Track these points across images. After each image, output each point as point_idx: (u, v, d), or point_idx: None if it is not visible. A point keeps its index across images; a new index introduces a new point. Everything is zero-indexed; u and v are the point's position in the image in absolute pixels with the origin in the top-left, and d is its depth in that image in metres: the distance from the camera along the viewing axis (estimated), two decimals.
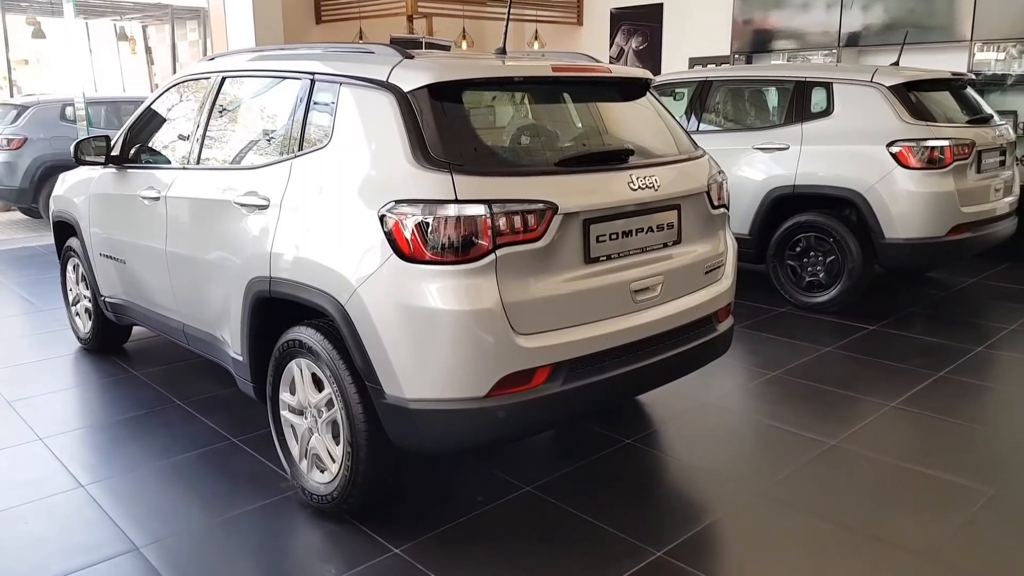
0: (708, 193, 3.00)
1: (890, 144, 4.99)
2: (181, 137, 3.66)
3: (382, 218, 2.38)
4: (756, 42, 8.34)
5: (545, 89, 2.89)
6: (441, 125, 2.42)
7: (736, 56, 8.47)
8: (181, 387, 4.08)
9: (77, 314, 4.74)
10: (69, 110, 9.68)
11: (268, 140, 3.10)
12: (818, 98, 5.45)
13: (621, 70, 3.03)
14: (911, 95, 5.12)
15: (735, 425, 3.61)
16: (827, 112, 5.34)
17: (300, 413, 2.84)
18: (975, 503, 2.82)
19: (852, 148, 5.16)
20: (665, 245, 2.81)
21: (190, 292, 3.41)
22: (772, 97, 5.89)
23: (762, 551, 2.58)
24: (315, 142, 2.77)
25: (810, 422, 3.54)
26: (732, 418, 3.69)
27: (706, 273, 3.00)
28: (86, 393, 4.12)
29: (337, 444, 2.67)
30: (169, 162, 3.72)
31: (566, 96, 3.00)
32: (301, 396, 2.80)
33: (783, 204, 5.44)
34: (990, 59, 6.92)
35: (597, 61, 3.01)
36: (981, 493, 2.88)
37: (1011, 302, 5.55)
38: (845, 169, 5.17)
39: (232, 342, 3.13)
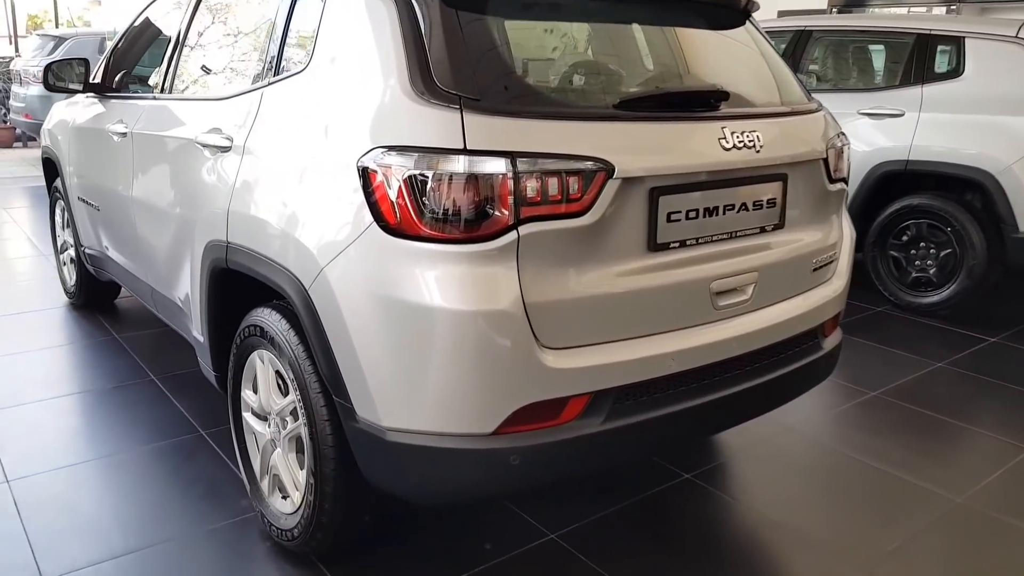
0: (825, 161, 2.20)
1: None
2: (158, 62, 3.00)
3: (363, 171, 1.67)
4: None
5: (606, 5, 2.10)
6: (454, 41, 1.68)
7: (832, 9, 7.40)
8: (163, 358, 3.49)
9: (64, 264, 4.20)
10: (109, 44, 9.27)
11: (242, 63, 2.41)
12: (945, 56, 4.48)
13: None
14: None
15: (826, 463, 2.82)
16: (955, 73, 4.37)
17: (264, 419, 2.19)
18: None
19: (986, 119, 4.20)
20: (762, 230, 2.04)
21: (155, 251, 2.78)
22: (885, 53, 4.92)
23: None
24: (292, 65, 2.07)
25: (925, 466, 2.74)
26: (822, 453, 2.90)
27: (814, 271, 2.22)
28: (54, 358, 3.57)
29: (301, 468, 2.02)
30: (149, 91, 3.07)
31: (636, 16, 2.20)
32: (264, 398, 2.15)
33: (891, 182, 4.52)
34: None
35: None
36: None
37: None
38: (974, 144, 4.22)
39: (194, 318, 2.49)
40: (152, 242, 2.78)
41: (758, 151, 1.92)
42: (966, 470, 2.75)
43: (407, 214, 1.60)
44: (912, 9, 6.81)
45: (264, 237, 1.94)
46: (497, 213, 1.58)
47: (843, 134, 2.34)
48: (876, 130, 4.56)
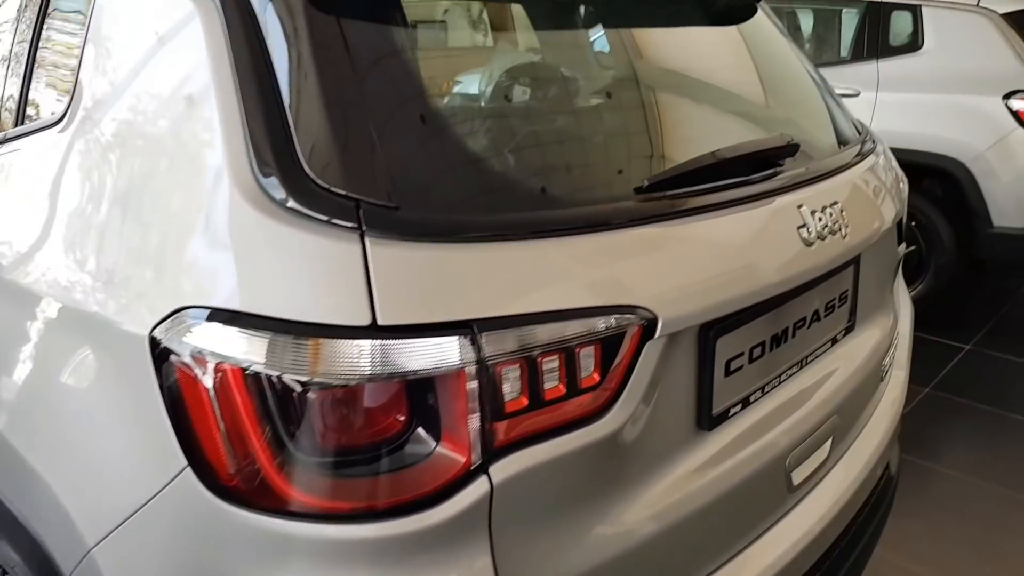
0: (900, 221, 1.51)
1: (1009, 95, 3.54)
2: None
3: (159, 353, 0.82)
4: None
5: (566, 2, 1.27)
6: (343, 87, 0.84)
7: None
8: None
9: None
10: None
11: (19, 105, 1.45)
12: (901, 25, 3.93)
13: None
14: None
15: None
16: (914, 46, 3.84)
17: None
18: None
19: (951, 99, 3.68)
20: (834, 341, 1.32)
21: None
22: (836, 23, 4.35)
23: None
24: (41, 111, 1.16)
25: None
26: None
27: (883, 376, 1.53)
28: None
29: None
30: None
31: (599, 15, 1.38)
32: None
33: None
34: None
35: None
36: None
37: None
38: (941, 127, 3.70)
39: None
40: None
41: (845, 236, 1.19)
42: None
43: (253, 458, 0.77)
44: None
45: (4, 467, 1.05)
46: (444, 450, 0.77)
47: (904, 179, 1.66)
48: None
